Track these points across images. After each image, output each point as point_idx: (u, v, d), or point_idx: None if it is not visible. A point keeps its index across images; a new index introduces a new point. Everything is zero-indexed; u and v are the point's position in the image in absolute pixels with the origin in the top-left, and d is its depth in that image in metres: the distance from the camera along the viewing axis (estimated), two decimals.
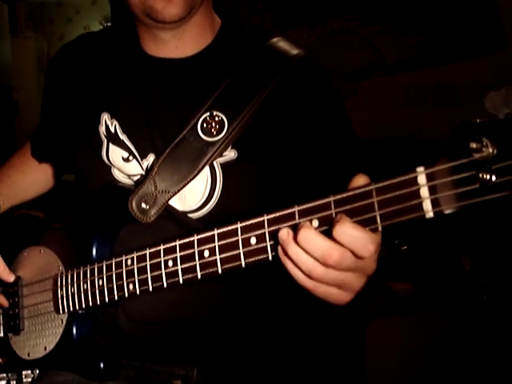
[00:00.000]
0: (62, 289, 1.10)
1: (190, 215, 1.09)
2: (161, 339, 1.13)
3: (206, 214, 1.08)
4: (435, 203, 0.63)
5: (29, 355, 1.18)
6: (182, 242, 0.88)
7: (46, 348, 1.15)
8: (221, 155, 1.05)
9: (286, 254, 0.73)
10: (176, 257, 0.88)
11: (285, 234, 0.73)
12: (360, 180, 0.70)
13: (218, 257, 0.83)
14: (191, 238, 0.86)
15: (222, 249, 0.82)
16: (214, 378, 1.16)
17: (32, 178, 1.43)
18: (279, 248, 0.74)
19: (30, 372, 1.17)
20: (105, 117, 1.14)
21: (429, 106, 2.93)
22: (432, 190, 0.63)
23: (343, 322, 0.92)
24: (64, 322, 1.11)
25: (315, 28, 3.03)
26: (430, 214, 0.64)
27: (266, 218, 0.77)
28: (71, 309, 1.08)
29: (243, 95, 1.05)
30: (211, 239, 0.84)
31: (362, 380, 2.29)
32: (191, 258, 0.86)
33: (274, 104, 1.07)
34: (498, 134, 0.59)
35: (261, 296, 1.16)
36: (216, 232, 0.83)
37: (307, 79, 1.10)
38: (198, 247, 0.85)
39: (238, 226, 0.80)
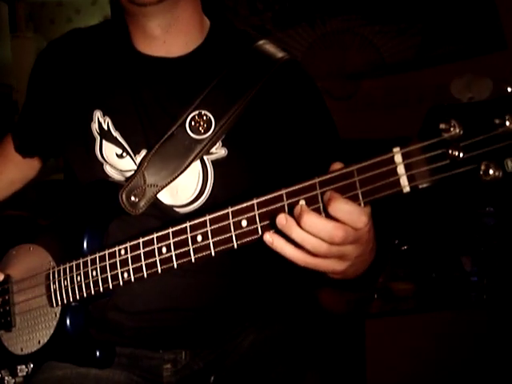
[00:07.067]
0: (54, 283, 1.12)
1: (178, 210, 1.12)
2: (150, 327, 1.17)
3: (196, 208, 1.11)
4: (411, 179, 0.70)
5: (22, 350, 1.20)
6: (174, 229, 0.92)
7: (39, 341, 1.17)
8: (208, 152, 1.10)
9: (287, 237, 0.78)
10: (169, 243, 0.92)
11: (283, 219, 0.78)
12: (337, 165, 0.77)
13: (210, 241, 0.87)
14: (184, 225, 0.90)
15: (215, 233, 0.87)
16: (200, 356, 1.21)
17: (10, 176, 1.43)
18: (272, 234, 0.79)
19: (24, 366, 1.19)
20: (97, 114, 1.16)
21: (429, 106, 2.92)
22: (408, 168, 0.71)
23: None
24: (58, 315, 1.13)
25: (315, 28, 3.03)
26: (406, 189, 0.71)
27: (255, 201, 0.82)
28: (65, 301, 1.10)
29: (230, 95, 1.10)
30: (203, 224, 0.88)
31: (362, 380, 2.30)
32: (185, 243, 0.91)
33: (261, 104, 1.12)
34: (464, 116, 0.68)
35: (246, 282, 1.21)
36: (208, 218, 0.88)
37: (291, 81, 1.16)
38: (190, 233, 0.89)
39: (229, 210, 0.85)
